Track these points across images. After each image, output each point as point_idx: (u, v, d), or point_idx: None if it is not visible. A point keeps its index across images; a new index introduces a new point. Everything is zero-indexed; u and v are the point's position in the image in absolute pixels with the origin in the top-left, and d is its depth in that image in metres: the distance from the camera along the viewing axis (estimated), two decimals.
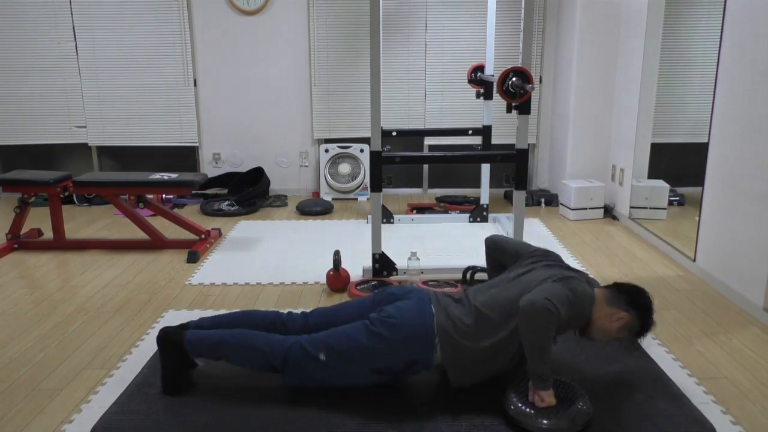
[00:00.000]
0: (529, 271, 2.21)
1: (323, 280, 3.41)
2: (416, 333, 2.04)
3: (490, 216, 4.61)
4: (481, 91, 4.45)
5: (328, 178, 5.44)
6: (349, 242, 4.14)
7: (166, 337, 2.18)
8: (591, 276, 3.32)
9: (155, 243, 4.02)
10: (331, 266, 3.35)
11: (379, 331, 2.04)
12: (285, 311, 2.34)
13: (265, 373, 2.20)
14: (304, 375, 2.10)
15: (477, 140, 5.26)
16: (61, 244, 4.03)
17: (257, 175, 5.40)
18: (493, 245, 2.52)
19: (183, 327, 2.25)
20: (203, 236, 4.07)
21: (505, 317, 2.06)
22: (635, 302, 2.13)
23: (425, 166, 5.66)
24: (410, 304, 2.11)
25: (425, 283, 3.23)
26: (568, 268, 2.22)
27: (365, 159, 5.41)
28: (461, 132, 4.58)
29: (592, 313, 2.11)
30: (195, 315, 2.90)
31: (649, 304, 2.14)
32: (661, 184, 4.39)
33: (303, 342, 2.09)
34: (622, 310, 2.11)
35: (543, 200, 5.17)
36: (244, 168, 5.55)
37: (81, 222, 4.72)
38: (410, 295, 2.17)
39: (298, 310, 2.46)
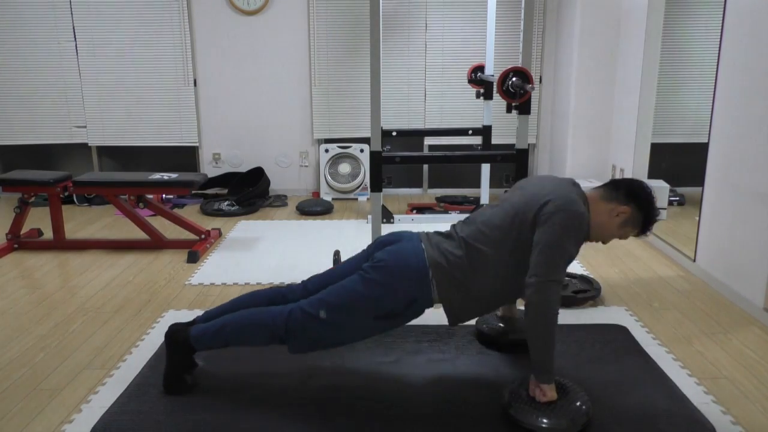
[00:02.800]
0: (510, 196, 2.16)
1: None
2: (409, 270, 2.04)
3: None
4: (481, 91, 4.45)
5: (328, 178, 5.44)
6: (349, 242, 4.14)
7: (174, 334, 2.17)
8: (590, 276, 3.33)
9: (155, 243, 4.02)
10: (331, 266, 3.34)
11: (373, 276, 2.04)
12: (285, 284, 2.32)
13: (275, 348, 2.12)
14: (308, 337, 2.08)
15: (477, 140, 5.27)
16: (61, 244, 4.03)
17: (257, 175, 5.41)
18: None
19: (190, 323, 2.24)
20: (203, 236, 4.07)
21: (493, 245, 2.05)
22: (634, 193, 2.08)
23: (425, 166, 5.66)
24: (400, 245, 2.11)
25: None
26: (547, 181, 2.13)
27: (365, 159, 5.41)
28: (461, 132, 4.58)
29: (590, 216, 2.06)
30: (195, 315, 2.90)
31: (650, 193, 2.09)
32: (661, 184, 4.38)
33: (302, 305, 2.08)
34: (621, 204, 2.07)
35: None
36: (244, 168, 5.56)
37: (81, 222, 4.72)
38: (400, 237, 2.17)
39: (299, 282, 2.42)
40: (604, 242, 2.16)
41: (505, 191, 2.20)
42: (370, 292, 2.03)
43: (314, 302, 2.07)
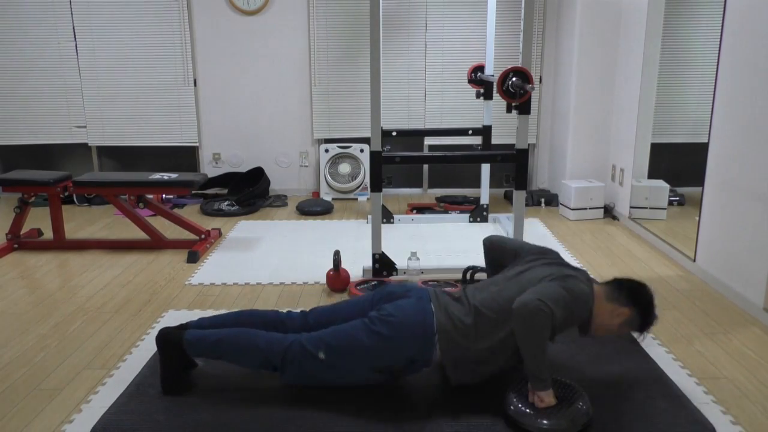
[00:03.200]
0: (528, 270, 2.20)
1: (323, 280, 3.41)
2: (416, 331, 2.04)
3: (490, 216, 4.61)
4: (481, 91, 4.45)
5: (328, 178, 5.44)
6: (349, 242, 4.14)
7: (166, 337, 2.18)
8: (591, 275, 3.33)
9: (155, 243, 4.02)
10: (331, 266, 3.35)
11: (379, 329, 2.04)
12: (284, 311, 2.34)
13: (264, 372, 2.19)
14: (303, 373, 2.10)
15: (477, 140, 5.27)
16: (61, 244, 4.03)
17: (257, 175, 5.40)
18: (491, 245, 2.51)
19: (182, 327, 2.25)
20: (203, 236, 4.07)
21: (504, 316, 2.05)
22: (636, 297, 2.12)
23: (425, 166, 5.66)
24: (410, 302, 2.10)
25: (425, 283, 3.23)
26: (567, 266, 2.21)
27: (365, 159, 5.41)
28: (461, 132, 4.58)
29: (592, 311, 2.10)
30: (195, 315, 2.91)
31: (651, 299, 2.13)
32: (661, 184, 4.39)
33: (302, 340, 2.09)
34: (622, 305, 2.11)
35: (543, 200, 5.17)
36: (244, 168, 5.56)
37: (81, 222, 4.72)
38: (410, 293, 2.16)
39: (298, 310, 2.45)
40: (600, 335, 2.18)
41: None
42: (373, 344, 2.04)
43: (315, 341, 2.08)
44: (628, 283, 2.16)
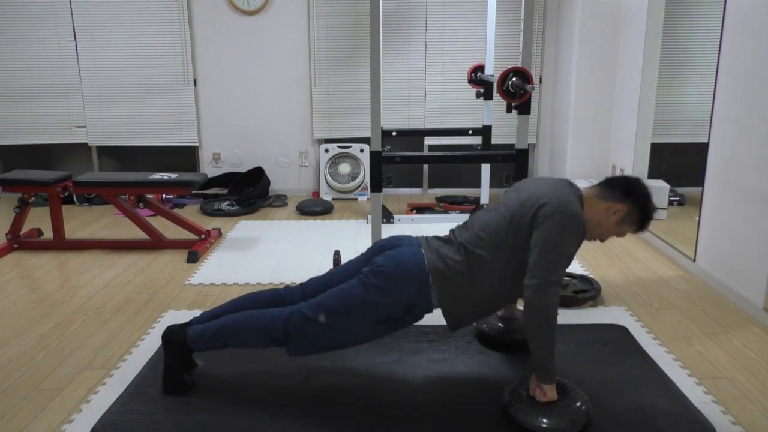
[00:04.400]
0: (506, 200, 2.15)
1: None
2: (409, 276, 2.04)
3: None
4: (481, 91, 4.45)
5: (328, 178, 5.44)
6: (349, 242, 4.14)
7: (171, 336, 2.17)
8: (590, 276, 3.33)
9: (155, 243, 4.02)
10: (331, 266, 3.35)
11: (373, 281, 2.03)
12: (282, 286, 2.32)
13: (274, 348, 2.14)
14: (307, 341, 2.08)
15: (477, 140, 5.27)
16: (61, 244, 4.03)
17: (257, 175, 5.41)
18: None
19: (187, 324, 2.24)
20: (203, 236, 4.07)
21: (491, 249, 2.04)
22: (631, 191, 2.08)
23: (425, 166, 5.66)
24: (400, 250, 2.11)
25: None
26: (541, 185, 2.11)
27: (365, 159, 5.41)
28: (461, 132, 4.58)
29: (586, 216, 2.05)
30: (195, 315, 2.90)
31: (646, 190, 2.09)
32: (661, 184, 4.39)
33: (301, 308, 2.08)
34: (618, 202, 2.08)
35: None
36: (244, 168, 5.56)
37: (81, 222, 4.72)
38: (400, 242, 2.16)
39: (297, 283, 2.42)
40: (602, 240, 2.16)
41: (505, 191, 2.20)
42: (370, 297, 2.03)
43: (313, 306, 2.07)
44: (620, 178, 2.13)
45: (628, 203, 2.08)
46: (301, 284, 2.30)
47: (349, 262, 2.28)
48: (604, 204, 2.09)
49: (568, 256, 1.98)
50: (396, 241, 2.18)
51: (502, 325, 2.56)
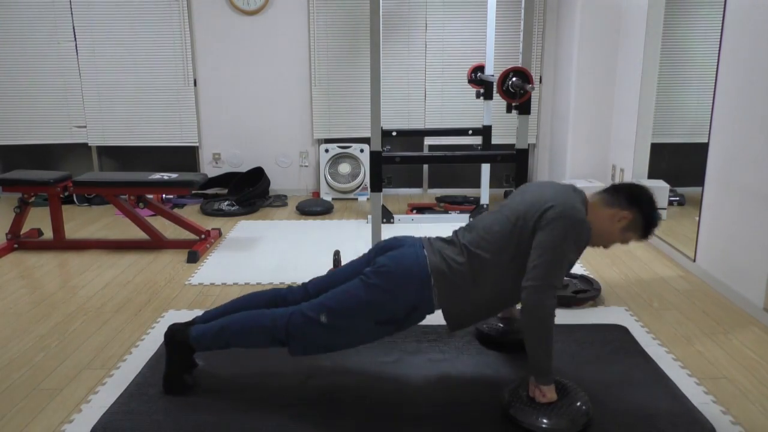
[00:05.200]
0: (510, 203, 2.15)
1: None
2: (411, 277, 2.03)
3: None
4: (481, 91, 4.45)
5: (328, 178, 5.44)
6: (349, 242, 4.14)
7: (173, 335, 2.17)
8: (590, 276, 3.33)
9: (155, 243, 4.02)
10: (331, 266, 3.35)
11: (375, 282, 2.03)
12: (285, 287, 2.32)
13: (275, 348, 2.13)
14: (309, 341, 2.07)
15: (477, 140, 5.27)
16: (61, 244, 4.03)
17: (257, 175, 5.41)
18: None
19: (190, 323, 2.24)
20: (203, 236, 4.07)
21: (494, 251, 2.04)
22: (636, 199, 2.07)
23: (425, 166, 5.66)
24: (402, 251, 2.10)
25: None
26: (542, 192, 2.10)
27: (365, 159, 5.42)
28: (461, 132, 4.58)
29: (591, 222, 2.05)
30: (195, 315, 2.90)
31: (651, 198, 2.08)
32: (661, 184, 4.39)
33: (302, 308, 2.08)
34: (623, 209, 2.07)
35: None
36: (244, 168, 5.56)
37: (81, 222, 4.72)
38: (402, 243, 2.16)
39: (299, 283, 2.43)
40: (605, 247, 2.16)
41: (509, 195, 2.18)
42: (372, 298, 2.03)
43: (315, 306, 2.07)
44: (625, 185, 2.12)
45: (633, 210, 2.07)
46: (304, 284, 2.29)
47: (352, 263, 2.28)
48: (609, 211, 2.09)
49: (570, 262, 1.98)
50: (398, 242, 2.18)
51: (502, 325, 2.56)
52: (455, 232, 2.20)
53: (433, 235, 4.18)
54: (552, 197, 2.03)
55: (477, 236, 2.10)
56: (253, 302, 2.26)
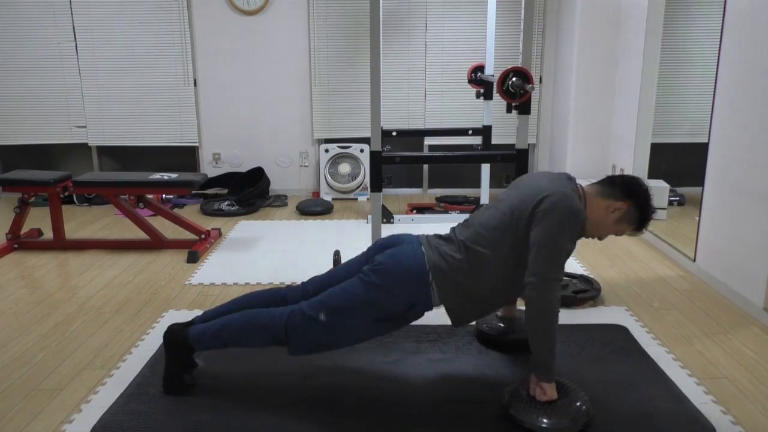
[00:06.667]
0: (506, 197, 2.16)
1: None
2: (409, 274, 2.04)
3: None
4: (481, 91, 4.45)
5: (328, 178, 5.44)
6: (349, 242, 4.14)
7: (172, 335, 2.17)
8: (590, 276, 3.33)
9: (155, 243, 4.02)
10: (331, 266, 3.35)
11: (373, 279, 2.04)
12: (284, 286, 2.32)
13: (275, 348, 2.14)
14: (308, 340, 2.08)
15: (477, 140, 5.26)
16: (61, 244, 4.03)
17: (257, 175, 5.41)
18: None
19: (189, 323, 2.24)
20: (203, 236, 4.07)
21: (492, 246, 2.05)
22: (631, 190, 2.08)
23: (425, 166, 5.66)
24: (400, 248, 2.11)
25: None
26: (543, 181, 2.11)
27: (365, 159, 5.41)
28: (461, 132, 4.58)
29: (585, 212, 2.05)
30: (195, 315, 2.90)
31: (646, 190, 2.09)
32: (661, 184, 4.39)
33: (302, 307, 2.08)
34: (618, 200, 2.08)
35: None
36: (244, 168, 5.56)
37: (81, 222, 4.72)
38: (400, 240, 2.16)
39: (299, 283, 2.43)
40: (600, 238, 2.17)
41: (505, 185, 2.21)
42: (370, 295, 2.03)
43: (314, 304, 2.07)
44: (620, 177, 2.13)
45: (628, 202, 2.08)
46: (303, 283, 2.30)
47: (350, 261, 2.28)
48: (604, 202, 2.10)
49: (567, 252, 1.99)
50: (396, 240, 2.18)
51: (502, 325, 2.56)
52: (453, 229, 2.20)
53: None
54: (546, 187, 2.04)
55: (474, 232, 2.10)
56: (252, 302, 2.26)
